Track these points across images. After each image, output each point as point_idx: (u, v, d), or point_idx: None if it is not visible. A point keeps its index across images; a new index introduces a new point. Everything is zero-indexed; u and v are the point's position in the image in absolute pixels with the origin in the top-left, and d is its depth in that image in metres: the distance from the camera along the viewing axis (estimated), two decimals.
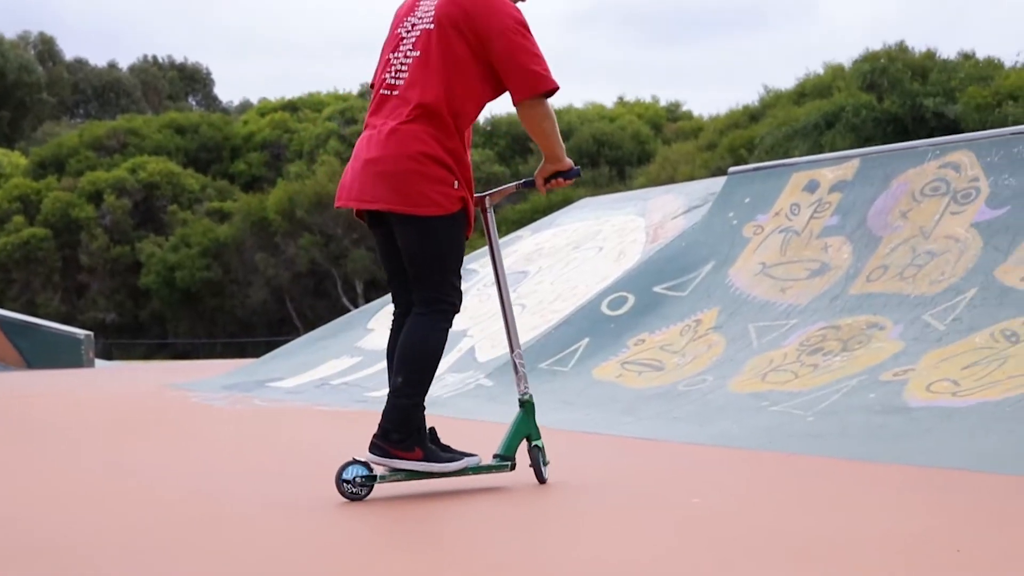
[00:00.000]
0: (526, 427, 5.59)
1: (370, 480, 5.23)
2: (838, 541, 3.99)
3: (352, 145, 43.14)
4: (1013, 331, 7.87)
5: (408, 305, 5.50)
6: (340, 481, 5.19)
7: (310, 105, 64.61)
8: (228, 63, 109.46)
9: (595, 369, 9.84)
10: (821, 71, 48.54)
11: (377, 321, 14.41)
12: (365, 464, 5.26)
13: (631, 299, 10.84)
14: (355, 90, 66.01)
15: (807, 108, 40.93)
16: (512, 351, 5.76)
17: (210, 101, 79.55)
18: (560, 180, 5.57)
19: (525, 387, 5.67)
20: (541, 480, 5.59)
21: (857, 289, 9.33)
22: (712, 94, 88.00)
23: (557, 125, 5.50)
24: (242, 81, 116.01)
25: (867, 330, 8.66)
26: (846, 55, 61.14)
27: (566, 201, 22.58)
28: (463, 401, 9.82)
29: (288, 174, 56.69)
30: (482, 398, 9.80)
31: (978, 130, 23.72)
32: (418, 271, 5.35)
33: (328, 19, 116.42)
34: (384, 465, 5.26)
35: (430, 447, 5.39)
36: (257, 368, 15.36)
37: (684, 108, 68.57)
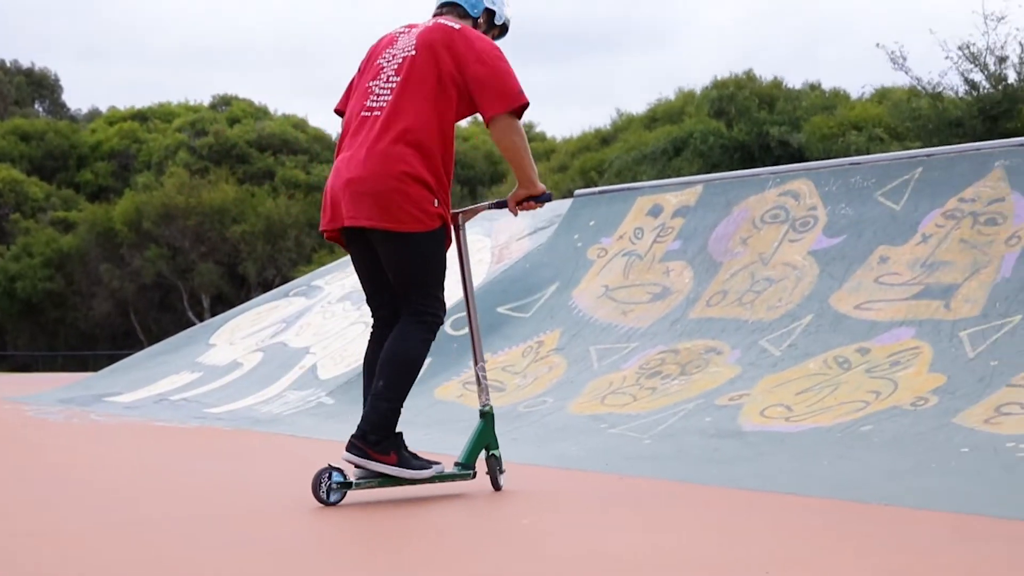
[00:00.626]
0: (486, 437, 5.90)
1: (344, 486, 5.39)
2: (657, 561, 4.03)
3: (203, 156, 42.46)
4: (846, 358, 8.04)
5: (387, 318, 5.77)
6: (317, 486, 5.33)
7: (160, 115, 63.71)
8: (77, 69, 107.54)
9: (437, 389, 9.82)
10: (672, 97, 49.25)
11: (219, 337, 14.23)
12: (340, 471, 5.41)
13: None
14: (207, 101, 65.32)
15: (657, 133, 41.44)
16: (476, 363, 6.04)
17: (57, 108, 77.97)
18: (532, 203, 5.79)
19: (486, 399, 5.95)
20: (496, 487, 5.89)
21: (697, 313, 9.45)
22: (566, 116, 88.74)
23: (528, 145, 5.71)
24: (91, 88, 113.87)
25: (705, 354, 8.77)
26: (698, 82, 62.14)
27: None
28: (303, 419, 9.74)
29: (136, 185, 55.81)
30: (322, 416, 9.72)
31: (822, 159, 24.24)
32: (403, 285, 5.61)
33: (181, 28, 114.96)
34: (361, 466, 5.43)
35: (404, 453, 5.59)
36: (95, 382, 15.08)
37: (538, 129, 68.95)
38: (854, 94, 44.14)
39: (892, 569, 3.97)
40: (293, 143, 57.81)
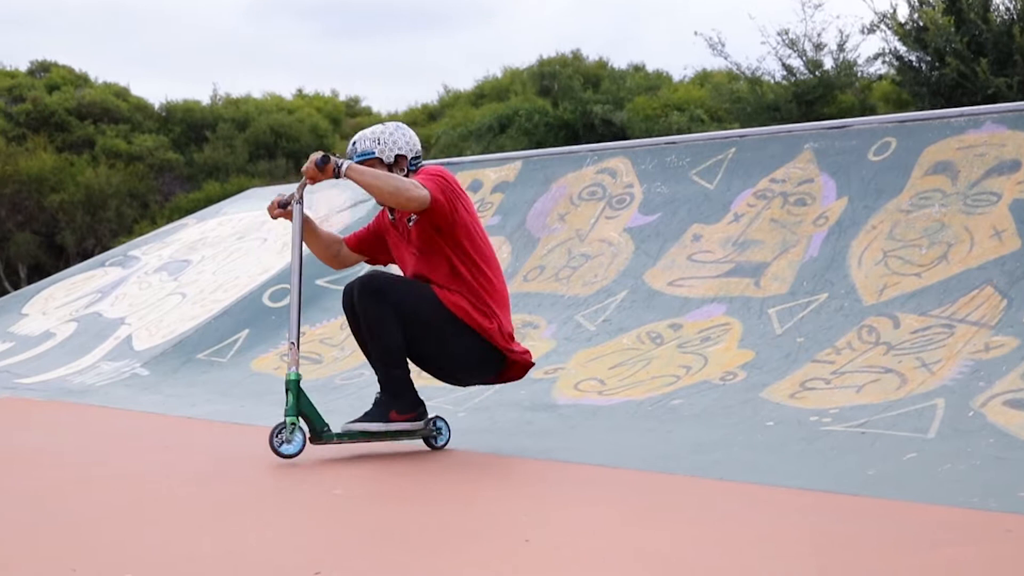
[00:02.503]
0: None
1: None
2: (453, 530, 4.08)
3: (20, 123, 41.17)
4: (658, 333, 8.18)
5: None
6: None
7: None
8: None
9: (254, 361, 9.75)
10: (500, 75, 49.37)
11: (32, 306, 13.91)
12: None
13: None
14: (24, 67, 63.60)
15: (483, 110, 41.49)
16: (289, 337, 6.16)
17: None
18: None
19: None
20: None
21: (515, 288, 9.50)
22: (393, 91, 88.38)
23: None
24: None
25: (522, 328, 8.84)
26: (525, 61, 62.43)
27: (240, 190, 22.30)
28: (118, 390, 9.58)
29: None
30: (137, 387, 9.58)
31: (644, 138, 24.55)
32: None
33: None
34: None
35: None
36: None
37: (364, 103, 68.52)
38: (676, 76, 44.76)
39: (695, 537, 4.08)
40: (115, 112, 56.53)
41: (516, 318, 8.99)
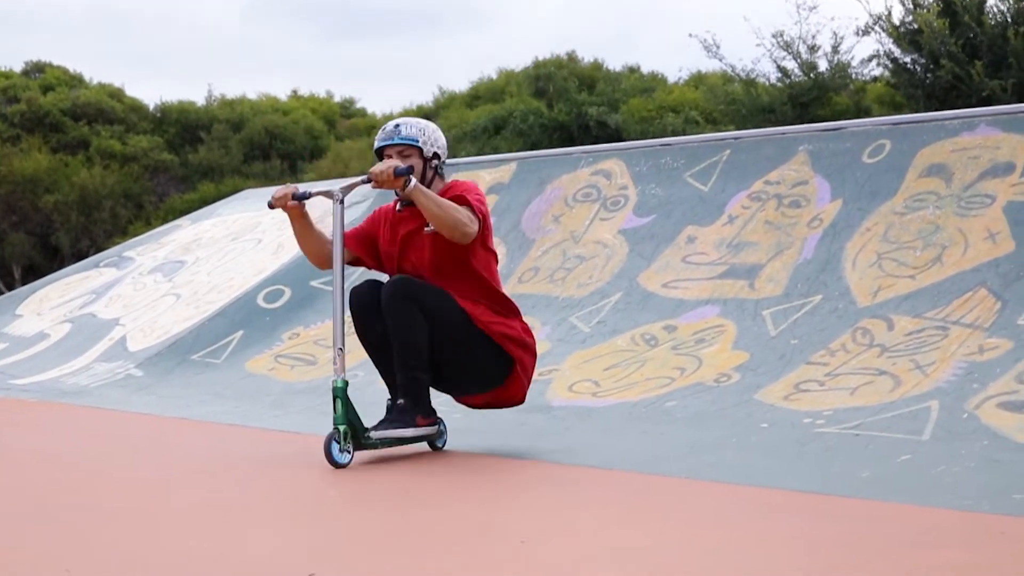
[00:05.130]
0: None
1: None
2: (441, 529, 4.08)
3: (14, 124, 41.05)
4: (652, 335, 8.19)
5: None
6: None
7: None
8: None
9: (248, 362, 9.75)
10: (495, 76, 49.37)
11: (27, 307, 13.90)
12: None
13: (288, 292, 10.79)
14: (18, 67, 63.54)
15: (479, 111, 41.50)
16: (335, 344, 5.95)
17: None
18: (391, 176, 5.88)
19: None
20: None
21: (510, 289, 9.48)
22: (387, 91, 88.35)
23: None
24: None
25: None
26: (520, 63, 62.45)
27: (234, 191, 22.29)
28: (112, 391, 9.58)
29: None
30: (131, 388, 9.58)
31: (639, 140, 24.56)
32: None
33: None
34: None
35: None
36: None
37: (359, 104, 68.51)
38: (671, 78, 44.79)
39: (689, 539, 4.09)
40: (109, 112, 56.52)
41: None
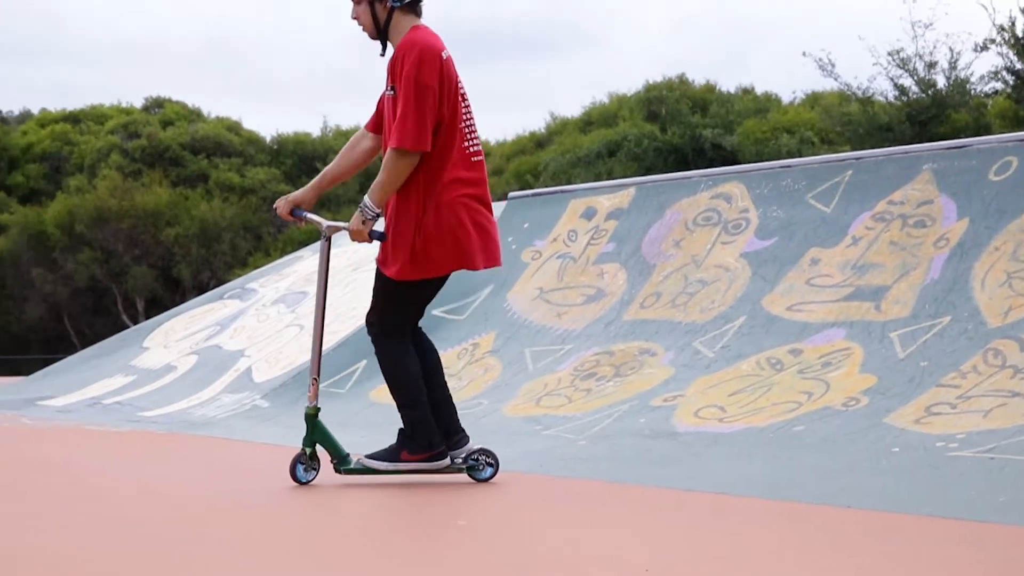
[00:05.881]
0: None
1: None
2: (590, 561, 4.06)
3: (136, 159, 41.77)
4: (778, 359, 8.11)
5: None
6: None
7: (93, 117, 63.05)
8: (7, 70, 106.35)
9: (372, 392, 9.81)
10: (607, 101, 49.39)
11: (153, 339, 14.14)
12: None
13: None
14: (139, 103, 64.76)
15: (592, 136, 41.55)
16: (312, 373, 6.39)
17: None
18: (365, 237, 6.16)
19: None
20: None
21: (631, 315, 9.50)
22: (499, 119, 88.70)
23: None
24: (22, 89, 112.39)
25: (639, 356, 8.83)
26: (632, 86, 62.43)
27: None
28: (238, 422, 9.70)
29: (68, 187, 55.26)
30: (257, 419, 9.69)
31: (754, 161, 24.40)
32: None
33: (111, 28, 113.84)
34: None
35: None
36: (26, 386, 14.92)
37: None
38: (786, 98, 44.52)
39: (824, 567, 4.03)
40: (227, 146, 57.47)
41: (633, 345, 8.99)
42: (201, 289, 44.39)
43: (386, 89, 6.09)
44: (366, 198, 6.00)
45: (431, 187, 6.00)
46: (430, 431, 6.17)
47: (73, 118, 63.91)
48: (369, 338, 6.37)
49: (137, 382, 12.61)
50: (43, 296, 52.42)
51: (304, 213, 6.41)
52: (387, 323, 6.26)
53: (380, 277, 6.24)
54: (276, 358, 11.34)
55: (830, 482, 5.80)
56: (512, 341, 9.91)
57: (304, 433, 6.22)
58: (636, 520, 5.11)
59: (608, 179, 27.27)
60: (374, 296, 6.32)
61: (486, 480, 6.25)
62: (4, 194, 59.37)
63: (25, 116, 72.11)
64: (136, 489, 6.33)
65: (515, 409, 8.56)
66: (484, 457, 6.29)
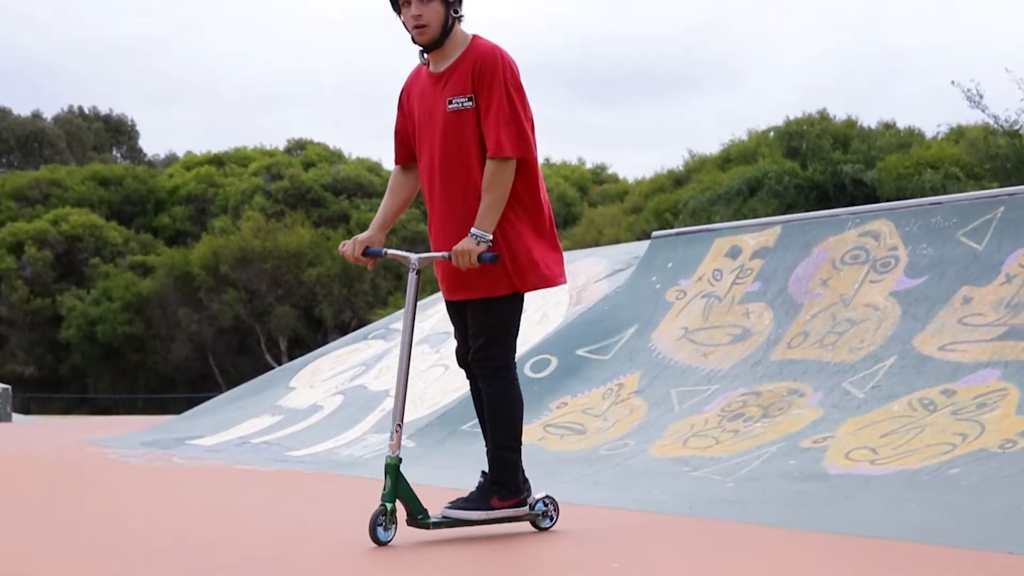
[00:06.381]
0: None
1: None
2: None
3: (278, 200, 42.57)
4: (931, 399, 7.96)
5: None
6: None
7: (236, 160, 64.40)
8: (154, 114, 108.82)
9: None
10: (745, 137, 49.14)
11: (299, 380, 14.33)
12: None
13: (554, 362, 10.86)
14: (281, 145, 65.90)
15: (731, 173, 41.34)
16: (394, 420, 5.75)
17: (135, 153, 78.92)
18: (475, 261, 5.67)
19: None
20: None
21: (778, 355, 9.40)
22: (638, 157, 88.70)
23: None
24: (168, 133, 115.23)
25: (787, 396, 8.73)
26: (771, 122, 62.09)
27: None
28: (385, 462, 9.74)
29: (213, 229, 56.41)
30: (404, 459, 9.72)
31: (898, 198, 24.06)
32: None
33: (253, 71, 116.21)
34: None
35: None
36: (176, 425, 15.22)
37: (610, 171, 68.99)
38: (929, 133, 43.91)
39: None
40: (367, 186, 58.29)
41: (781, 386, 8.89)
42: (343, 328, 44.91)
43: (449, 104, 5.79)
44: (474, 228, 5.65)
45: (532, 193, 5.79)
46: (520, 476, 5.90)
47: (217, 160, 65.39)
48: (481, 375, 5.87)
49: (284, 422, 12.78)
50: (189, 336, 53.50)
51: (382, 250, 6.05)
52: (509, 355, 5.88)
53: (486, 306, 5.82)
54: (421, 398, 11.41)
55: (988, 527, 5.66)
56: (657, 381, 9.86)
57: (385, 487, 5.55)
58: (792, 565, 5.03)
59: (750, 216, 27.09)
60: (483, 331, 5.83)
61: (548, 528, 6.01)
62: (151, 236, 60.83)
63: (171, 159, 73.85)
64: (297, 527, 6.39)
65: (662, 450, 8.51)
66: (550, 506, 6.05)
